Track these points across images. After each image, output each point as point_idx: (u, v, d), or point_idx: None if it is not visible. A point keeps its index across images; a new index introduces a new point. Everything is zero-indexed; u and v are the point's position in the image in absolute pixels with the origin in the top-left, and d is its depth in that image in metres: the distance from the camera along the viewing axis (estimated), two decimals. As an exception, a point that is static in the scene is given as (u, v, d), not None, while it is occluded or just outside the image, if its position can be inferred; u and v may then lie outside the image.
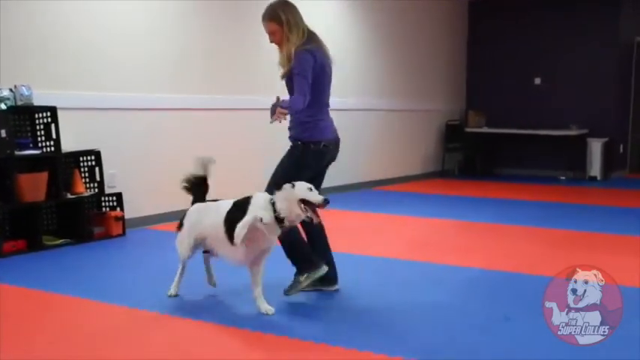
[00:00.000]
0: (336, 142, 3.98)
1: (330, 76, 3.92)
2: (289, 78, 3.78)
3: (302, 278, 3.83)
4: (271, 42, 3.90)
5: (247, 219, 3.48)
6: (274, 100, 3.69)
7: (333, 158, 4.02)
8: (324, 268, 3.82)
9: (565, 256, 5.03)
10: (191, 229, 3.82)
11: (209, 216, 3.74)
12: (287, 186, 3.50)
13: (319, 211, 3.55)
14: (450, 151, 11.47)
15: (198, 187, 3.94)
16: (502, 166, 11.67)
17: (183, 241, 3.87)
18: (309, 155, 3.84)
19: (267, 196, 3.61)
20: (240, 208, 3.58)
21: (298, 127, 3.86)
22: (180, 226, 3.90)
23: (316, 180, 3.87)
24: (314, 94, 3.75)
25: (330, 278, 4.00)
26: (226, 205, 3.71)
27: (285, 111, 3.63)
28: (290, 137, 3.94)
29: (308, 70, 3.70)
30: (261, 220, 3.47)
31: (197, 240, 3.82)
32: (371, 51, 9.50)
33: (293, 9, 3.83)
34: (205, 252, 3.98)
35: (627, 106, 11.46)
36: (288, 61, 3.75)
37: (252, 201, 3.59)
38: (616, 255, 5.12)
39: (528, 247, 5.60)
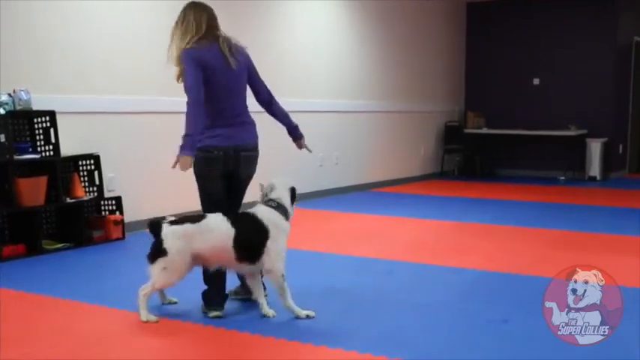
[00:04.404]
0: (234, 149, 3.69)
1: (229, 80, 3.68)
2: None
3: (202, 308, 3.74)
4: None
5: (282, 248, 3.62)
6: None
7: (236, 168, 3.73)
8: (217, 315, 3.62)
9: (564, 256, 5.03)
10: (182, 254, 3.53)
11: (203, 236, 3.54)
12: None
13: None
14: (450, 153, 11.48)
15: None
16: (501, 166, 11.67)
17: (172, 269, 3.55)
18: (198, 163, 3.66)
19: (268, 208, 3.63)
20: (253, 228, 3.57)
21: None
22: (162, 253, 3.56)
23: (231, 194, 3.80)
24: (209, 102, 3.63)
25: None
26: (220, 223, 3.56)
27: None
28: None
29: (188, 69, 3.62)
30: None
31: (193, 263, 3.60)
32: (369, 53, 9.51)
33: (196, 9, 3.75)
34: None
35: (626, 106, 11.48)
36: (177, 62, 3.72)
37: (262, 217, 3.60)
38: (615, 255, 5.12)
39: (527, 247, 5.60)
